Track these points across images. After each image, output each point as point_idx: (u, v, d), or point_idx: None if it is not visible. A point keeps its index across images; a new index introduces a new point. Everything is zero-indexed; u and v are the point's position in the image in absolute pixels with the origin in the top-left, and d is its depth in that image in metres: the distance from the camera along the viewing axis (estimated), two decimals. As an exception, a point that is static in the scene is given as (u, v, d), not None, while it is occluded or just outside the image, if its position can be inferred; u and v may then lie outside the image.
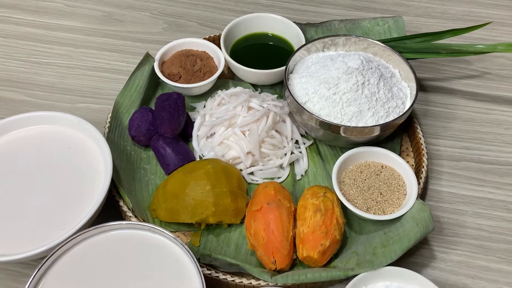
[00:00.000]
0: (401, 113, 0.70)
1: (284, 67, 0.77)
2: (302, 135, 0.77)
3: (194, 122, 0.77)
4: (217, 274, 0.60)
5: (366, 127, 0.67)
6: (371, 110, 0.69)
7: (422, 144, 0.74)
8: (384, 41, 0.79)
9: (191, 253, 0.55)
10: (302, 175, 0.74)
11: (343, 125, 0.67)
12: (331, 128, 0.68)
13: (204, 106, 0.80)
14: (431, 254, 0.67)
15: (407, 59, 0.76)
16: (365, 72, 0.70)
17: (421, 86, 0.88)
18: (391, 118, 0.70)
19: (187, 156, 0.73)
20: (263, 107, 0.73)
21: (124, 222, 0.58)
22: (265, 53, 0.87)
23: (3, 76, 0.87)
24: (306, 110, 0.69)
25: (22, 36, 0.93)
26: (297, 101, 0.70)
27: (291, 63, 0.76)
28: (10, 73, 0.87)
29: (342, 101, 0.69)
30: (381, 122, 0.69)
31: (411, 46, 0.80)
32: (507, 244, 0.68)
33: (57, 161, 0.66)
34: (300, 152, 0.75)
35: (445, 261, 0.66)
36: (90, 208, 0.60)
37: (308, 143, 0.77)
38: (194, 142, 0.75)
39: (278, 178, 0.73)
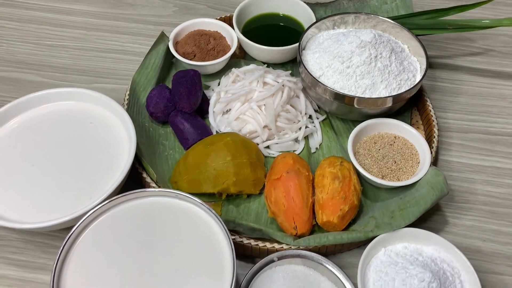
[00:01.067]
0: (412, 85, 0.72)
1: (296, 44, 0.79)
2: (315, 111, 0.79)
3: (209, 99, 0.79)
4: (241, 239, 0.62)
5: (380, 98, 0.69)
6: (384, 83, 0.72)
7: (432, 116, 0.76)
8: (392, 18, 0.82)
9: (218, 217, 0.57)
10: (316, 148, 0.76)
11: (357, 96, 0.69)
12: (345, 100, 0.70)
13: (219, 84, 0.82)
14: (444, 220, 0.69)
15: (416, 35, 0.78)
16: (377, 46, 0.72)
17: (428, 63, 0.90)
18: (403, 90, 0.72)
19: (205, 131, 0.74)
20: (278, 82, 0.75)
21: (150, 190, 0.60)
22: (275, 33, 0.88)
23: (17, 58, 0.88)
24: (321, 83, 0.71)
25: (35, 20, 0.94)
26: (311, 75, 0.72)
27: (303, 40, 0.78)
28: (24, 55, 0.88)
29: (355, 74, 0.72)
30: (394, 94, 0.71)
31: (418, 23, 0.83)
32: (516, 209, 0.71)
33: (80, 135, 0.67)
34: (314, 126, 0.77)
35: (458, 226, 0.69)
36: (117, 177, 0.61)
37: (322, 117, 0.79)
38: (211, 118, 0.77)
39: (294, 151, 0.75)
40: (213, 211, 0.58)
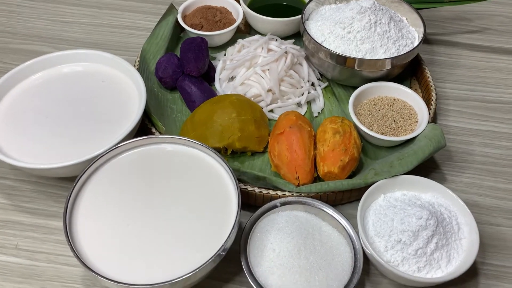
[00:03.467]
0: (410, 50, 0.75)
1: (299, 16, 0.83)
2: (318, 79, 0.82)
3: (216, 67, 0.82)
4: (245, 187, 0.65)
5: (379, 59, 0.72)
6: (383, 47, 0.75)
7: (430, 82, 0.79)
8: (391, -7, 0.85)
9: (224, 159, 0.59)
10: (319, 113, 0.79)
11: (358, 58, 0.72)
12: (347, 62, 0.73)
13: (225, 55, 0.85)
14: (442, 177, 0.71)
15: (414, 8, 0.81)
16: (377, 12, 0.75)
17: (426, 40, 0.93)
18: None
19: (211, 94, 0.78)
20: (282, 49, 0.78)
21: (159, 136, 0.63)
22: (280, 11, 0.92)
23: (33, 33, 0.92)
24: (323, 47, 0.74)
25: (50, -1, 0.99)
26: (314, 39, 0.75)
27: (305, 12, 0.82)
28: (39, 30, 0.92)
29: (356, 39, 0.75)
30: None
31: (416, -3, 0.86)
32: (513, 168, 0.73)
33: (93, 93, 0.71)
34: (317, 92, 0.80)
35: (456, 182, 0.71)
36: (127, 126, 0.64)
37: (324, 84, 0.82)
38: (217, 84, 0.80)
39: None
40: (219, 154, 0.60)
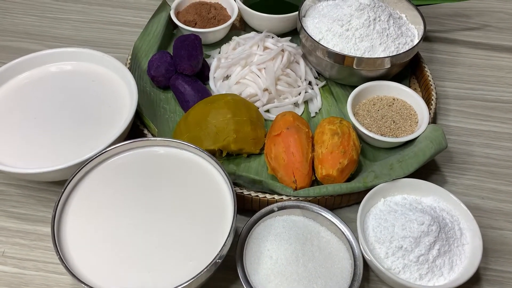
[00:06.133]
0: (410, 48, 0.73)
1: (296, 13, 0.80)
2: (315, 77, 0.80)
3: (210, 66, 0.80)
4: (241, 191, 0.62)
5: (378, 58, 0.70)
6: (383, 45, 0.73)
7: (430, 81, 0.77)
8: (390, -11, 0.83)
9: (219, 163, 0.57)
10: (316, 113, 0.77)
11: (357, 57, 0.70)
12: (345, 61, 0.71)
13: (219, 53, 0.83)
14: (443, 179, 0.70)
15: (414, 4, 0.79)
16: (376, 9, 0.73)
17: (425, 37, 0.91)
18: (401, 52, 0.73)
19: (206, 94, 0.75)
20: (278, 46, 0.76)
21: (151, 139, 0.60)
22: (276, 7, 0.90)
23: (20, 29, 0.89)
24: (321, 45, 0.72)
25: (38, -6, 0.96)
26: (312, 37, 0.73)
27: (302, 8, 0.79)
28: (28, 27, 0.90)
29: (355, 36, 0.73)
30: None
31: (416, -7, 0.84)
32: (515, 169, 0.71)
33: (83, 92, 0.68)
34: (314, 91, 0.78)
35: (457, 184, 0.69)
36: (119, 127, 0.62)
37: (321, 83, 0.80)
38: (211, 83, 0.78)
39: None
40: (214, 158, 0.58)
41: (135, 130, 0.70)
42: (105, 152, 0.58)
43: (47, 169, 0.57)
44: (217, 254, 0.50)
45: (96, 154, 0.58)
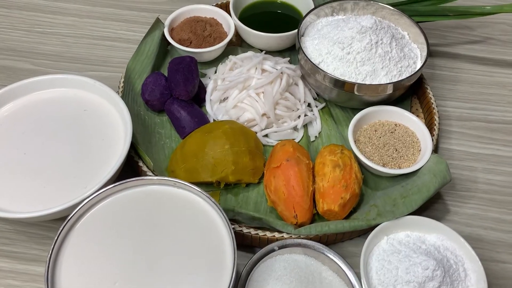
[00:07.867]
0: (413, 72, 0.71)
1: (295, 31, 0.77)
2: (314, 99, 0.78)
3: (206, 87, 0.77)
4: (240, 228, 0.61)
5: (380, 84, 0.68)
6: (385, 69, 0.70)
7: (433, 104, 0.75)
8: (392, 5, 0.80)
9: (218, 205, 0.55)
10: (316, 137, 0.75)
11: (358, 83, 0.68)
12: (346, 86, 0.69)
13: (215, 72, 0.80)
14: (445, 208, 0.69)
15: (416, 22, 0.77)
16: (378, 32, 0.71)
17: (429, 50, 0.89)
18: (403, 76, 0.71)
19: (202, 119, 0.73)
20: (277, 69, 0.73)
21: (147, 178, 0.58)
22: (273, 20, 0.87)
23: (8, 46, 0.85)
24: (320, 69, 0.70)
25: (25, 6, 0.92)
26: (311, 61, 0.71)
27: (301, 27, 0.77)
28: (14, 42, 0.86)
29: (356, 60, 0.70)
30: (395, 80, 0.70)
31: (418, 9, 0.82)
32: (517, 197, 0.70)
33: (74, 123, 0.65)
34: (313, 114, 0.76)
35: (459, 214, 0.68)
36: (113, 165, 0.60)
37: (321, 105, 0.77)
38: (208, 106, 0.76)
39: (293, 140, 0.74)
40: (212, 199, 0.56)
41: (130, 161, 0.67)
42: (98, 194, 0.56)
43: (38, 213, 0.55)
44: (218, 306, 0.49)
45: (90, 196, 0.55)
